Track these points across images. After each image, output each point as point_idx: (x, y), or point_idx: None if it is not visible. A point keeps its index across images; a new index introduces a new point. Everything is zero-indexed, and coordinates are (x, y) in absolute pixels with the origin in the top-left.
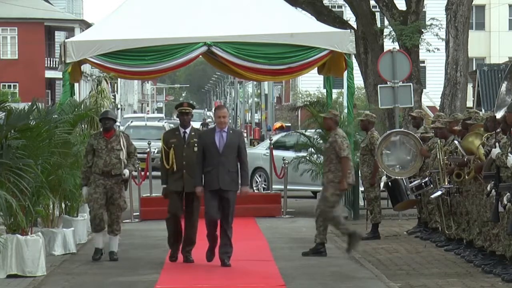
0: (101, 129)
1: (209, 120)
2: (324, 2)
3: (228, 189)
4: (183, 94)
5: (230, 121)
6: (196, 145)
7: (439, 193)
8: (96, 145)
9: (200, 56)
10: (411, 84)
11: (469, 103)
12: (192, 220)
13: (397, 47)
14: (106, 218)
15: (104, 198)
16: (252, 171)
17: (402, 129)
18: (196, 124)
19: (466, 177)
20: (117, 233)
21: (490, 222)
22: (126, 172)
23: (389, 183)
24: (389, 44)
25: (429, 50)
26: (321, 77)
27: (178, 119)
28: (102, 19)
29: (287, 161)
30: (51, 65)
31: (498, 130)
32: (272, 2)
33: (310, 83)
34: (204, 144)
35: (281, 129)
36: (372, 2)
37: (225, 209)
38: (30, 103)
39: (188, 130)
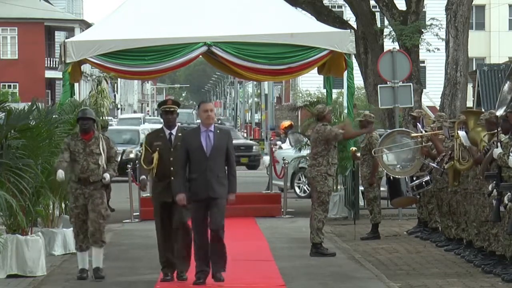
0: (78, 131)
1: (198, 121)
2: (324, 2)
3: (218, 197)
4: (183, 94)
5: (232, 122)
6: None
7: (422, 179)
8: (73, 147)
9: (200, 56)
10: (411, 84)
11: (469, 103)
12: (183, 235)
13: (397, 47)
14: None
15: (85, 212)
16: (293, 172)
17: (402, 129)
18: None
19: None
20: (102, 244)
21: (489, 222)
22: (107, 176)
23: (391, 177)
24: (389, 44)
25: (429, 50)
26: (321, 77)
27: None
28: (102, 19)
29: (287, 161)
30: (51, 65)
31: (499, 129)
32: (272, 2)
33: (310, 83)
34: (189, 146)
35: (290, 128)
36: (372, 2)
37: (215, 218)
38: (30, 103)
39: (174, 131)
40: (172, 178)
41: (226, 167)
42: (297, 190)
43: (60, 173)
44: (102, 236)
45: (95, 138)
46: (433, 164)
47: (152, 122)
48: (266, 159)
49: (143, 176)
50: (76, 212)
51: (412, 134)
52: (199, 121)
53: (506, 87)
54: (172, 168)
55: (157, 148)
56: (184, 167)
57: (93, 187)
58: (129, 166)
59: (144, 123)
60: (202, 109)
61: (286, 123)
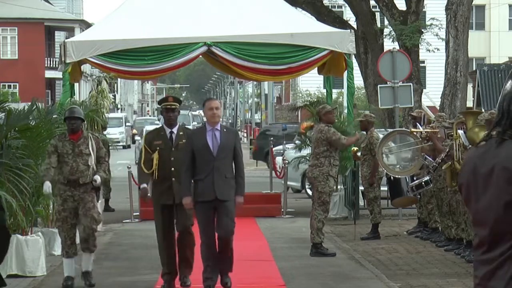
0: (66, 131)
1: (194, 123)
2: (324, 2)
3: (226, 199)
4: (183, 94)
5: (231, 120)
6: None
7: (422, 179)
8: (61, 148)
9: (200, 56)
10: (411, 84)
11: (469, 103)
12: (186, 237)
13: (397, 47)
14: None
15: (74, 216)
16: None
17: (403, 129)
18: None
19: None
20: (93, 249)
21: None
22: (98, 178)
23: (391, 177)
24: (389, 44)
25: (429, 50)
26: (321, 77)
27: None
28: (102, 19)
29: (287, 161)
30: (51, 65)
31: None
32: (272, 2)
33: (310, 83)
34: (194, 146)
35: (311, 128)
36: (372, 2)
37: (224, 223)
38: (30, 103)
39: (175, 130)
40: (173, 179)
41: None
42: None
43: (47, 187)
44: (94, 242)
45: (84, 138)
46: (429, 158)
47: (149, 123)
48: (279, 159)
49: (144, 185)
50: (64, 215)
51: (412, 129)
52: (195, 123)
53: (508, 85)
54: (173, 169)
55: (157, 148)
56: (190, 168)
57: (83, 190)
58: (129, 166)
59: (126, 124)
60: (207, 107)
61: (307, 123)
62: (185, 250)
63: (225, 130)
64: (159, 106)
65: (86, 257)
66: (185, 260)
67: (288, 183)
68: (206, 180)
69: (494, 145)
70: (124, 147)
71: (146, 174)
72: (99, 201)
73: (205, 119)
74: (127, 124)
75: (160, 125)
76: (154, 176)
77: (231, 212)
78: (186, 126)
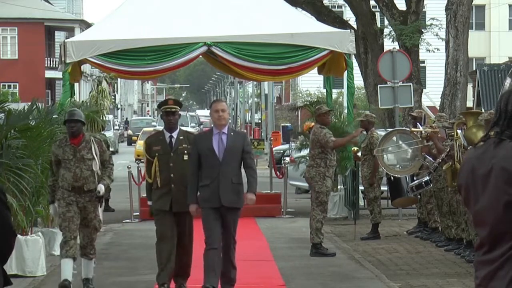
0: (67, 134)
1: (192, 125)
2: (324, 2)
3: (232, 207)
4: (183, 94)
5: (230, 120)
6: (185, 152)
7: (422, 179)
8: (62, 154)
9: (200, 56)
10: (411, 84)
11: (469, 103)
12: (185, 245)
13: (397, 47)
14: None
15: (79, 217)
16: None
17: (403, 128)
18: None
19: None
20: (92, 256)
21: None
22: (101, 188)
23: (391, 177)
24: (389, 44)
25: (429, 50)
26: (321, 77)
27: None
28: (102, 19)
29: (287, 161)
30: (51, 65)
31: None
32: (272, 2)
33: (310, 83)
34: (200, 150)
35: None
36: (372, 2)
37: (227, 231)
38: (30, 103)
39: (175, 134)
40: (173, 185)
41: (243, 172)
42: None
43: (53, 211)
44: (93, 250)
45: (86, 142)
46: (429, 158)
47: (145, 123)
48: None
49: (150, 202)
50: (69, 215)
51: (412, 129)
52: (193, 124)
53: (507, 84)
54: (172, 175)
55: (156, 154)
56: (196, 174)
57: (88, 198)
58: (129, 166)
59: (114, 128)
60: (213, 109)
61: (310, 123)
62: (182, 257)
63: (232, 133)
64: (159, 109)
65: (85, 263)
66: (182, 268)
67: (296, 183)
68: (212, 185)
69: (492, 145)
70: (112, 152)
71: (151, 188)
72: (102, 207)
73: (201, 120)
74: (115, 127)
75: (161, 129)
76: (156, 184)
77: (235, 225)
78: (188, 131)
